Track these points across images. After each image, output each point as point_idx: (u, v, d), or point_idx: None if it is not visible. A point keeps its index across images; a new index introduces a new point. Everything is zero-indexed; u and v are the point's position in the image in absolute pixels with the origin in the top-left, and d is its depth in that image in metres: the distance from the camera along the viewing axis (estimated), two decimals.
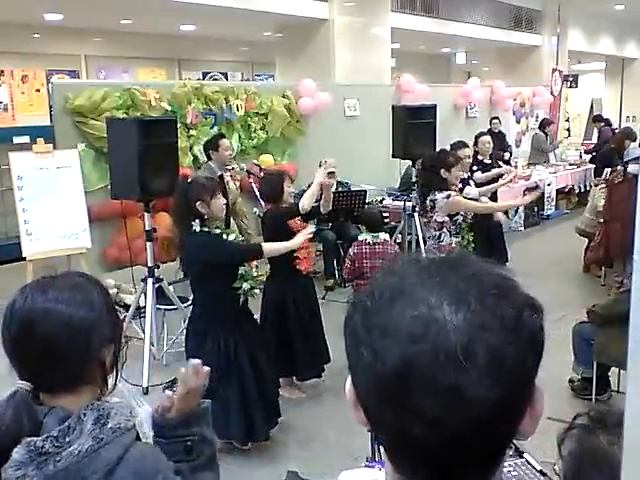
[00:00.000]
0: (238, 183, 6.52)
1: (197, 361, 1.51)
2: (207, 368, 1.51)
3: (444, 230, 4.60)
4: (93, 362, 1.29)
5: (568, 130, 14.94)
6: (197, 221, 3.41)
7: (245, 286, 3.58)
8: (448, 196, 4.50)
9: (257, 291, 3.75)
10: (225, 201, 3.59)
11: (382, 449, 0.72)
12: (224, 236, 3.52)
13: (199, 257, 3.51)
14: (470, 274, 0.68)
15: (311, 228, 3.93)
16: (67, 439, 1.19)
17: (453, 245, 4.54)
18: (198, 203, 3.38)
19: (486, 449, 0.67)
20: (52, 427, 1.22)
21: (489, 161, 6.94)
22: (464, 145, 5.95)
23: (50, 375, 1.27)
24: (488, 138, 7.12)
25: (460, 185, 5.12)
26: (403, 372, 0.63)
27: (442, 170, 4.56)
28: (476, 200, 5.34)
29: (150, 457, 1.29)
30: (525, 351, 0.66)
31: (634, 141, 7.98)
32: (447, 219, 4.56)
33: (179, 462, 1.40)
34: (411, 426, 0.63)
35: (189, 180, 3.67)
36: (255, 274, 3.73)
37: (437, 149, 7.77)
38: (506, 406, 0.65)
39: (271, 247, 3.74)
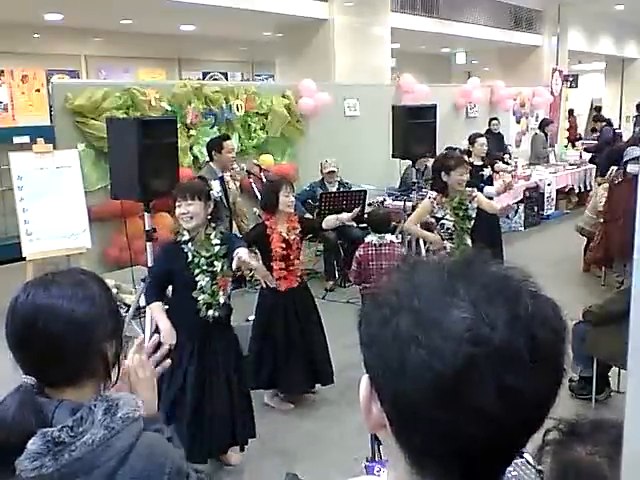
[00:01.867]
0: (238, 183, 6.52)
1: (142, 337, 1.57)
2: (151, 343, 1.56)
3: (435, 232, 4.62)
4: (96, 356, 1.32)
5: (574, 128, 14.83)
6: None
7: (201, 299, 3.41)
8: (429, 197, 4.57)
9: (213, 312, 3.44)
10: (186, 210, 3.36)
11: (398, 457, 0.71)
12: (189, 245, 3.39)
13: None
14: (507, 276, 0.70)
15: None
16: (80, 429, 1.23)
17: (447, 250, 4.49)
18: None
19: (519, 443, 0.69)
20: (63, 419, 1.24)
21: (480, 163, 6.91)
22: (479, 136, 6.54)
23: (53, 370, 1.30)
24: (484, 140, 7.13)
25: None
26: (463, 371, 0.63)
27: (442, 173, 4.55)
28: (491, 199, 5.24)
29: (159, 444, 1.34)
30: (564, 347, 0.69)
31: None
32: (433, 221, 4.58)
33: None
34: (464, 425, 0.64)
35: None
36: (215, 292, 3.44)
37: (442, 149, 7.80)
38: (550, 400, 0.68)
39: (153, 312, 3.45)
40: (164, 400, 3.21)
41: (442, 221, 4.55)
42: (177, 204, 3.39)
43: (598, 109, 13.15)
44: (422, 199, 7.29)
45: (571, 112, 15.60)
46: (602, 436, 1.35)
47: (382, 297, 0.71)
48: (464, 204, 4.60)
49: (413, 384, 0.66)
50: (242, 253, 3.33)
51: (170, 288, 3.65)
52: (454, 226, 4.55)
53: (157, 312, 3.43)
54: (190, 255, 3.41)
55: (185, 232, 3.42)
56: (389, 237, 4.95)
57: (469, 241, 4.64)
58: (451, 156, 4.77)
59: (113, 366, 1.36)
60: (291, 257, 4.17)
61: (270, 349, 4.19)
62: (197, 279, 3.41)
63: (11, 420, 1.23)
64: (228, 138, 6.11)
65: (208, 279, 3.43)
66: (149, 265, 4.75)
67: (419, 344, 0.65)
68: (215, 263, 3.44)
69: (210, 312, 3.44)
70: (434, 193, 4.57)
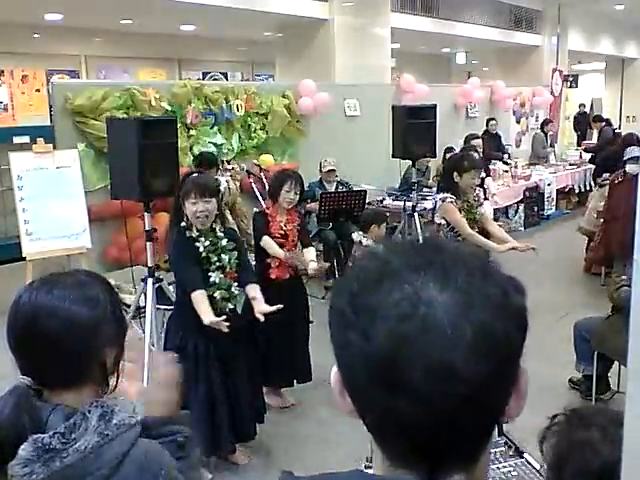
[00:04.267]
0: (238, 183, 6.52)
1: (167, 353, 1.55)
2: (172, 354, 1.55)
3: (440, 234, 4.47)
4: (94, 361, 1.30)
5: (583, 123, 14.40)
6: (184, 222, 3.40)
7: (217, 295, 3.41)
8: (444, 199, 4.41)
9: (231, 305, 3.47)
10: (203, 209, 3.33)
11: (372, 439, 0.72)
12: (201, 240, 3.37)
13: (170, 258, 3.51)
14: (453, 255, 0.69)
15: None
16: (73, 435, 1.20)
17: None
18: (184, 202, 3.37)
19: (473, 428, 0.68)
20: (57, 424, 1.22)
21: None
22: (476, 137, 6.13)
23: (51, 371, 1.28)
24: (480, 142, 7.12)
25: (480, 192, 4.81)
26: (393, 351, 0.64)
27: (455, 173, 4.41)
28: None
29: (154, 453, 1.30)
30: (512, 327, 0.67)
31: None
32: (444, 222, 4.45)
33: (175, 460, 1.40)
34: (401, 405, 0.64)
35: (191, 175, 3.59)
36: (229, 285, 3.47)
37: (442, 149, 7.79)
38: (494, 382, 0.66)
39: (198, 304, 3.30)
40: (195, 398, 3.30)
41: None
42: (192, 201, 3.31)
43: (597, 117, 13.04)
44: (422, 199, 7.34)
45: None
46: (603, 417, 1.44)
47: (335, 285, 0.74)
48: (473, 207, 4.51)
49: (353, 367, 0.67)
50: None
51: (170, 289, 3.63)
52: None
53: (200, 305, 3.30)
54: (204, 251, 3.39)
55: (194, 227, 3.40)
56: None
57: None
58: (467, 158, 4.59)
59: (112, 372, 1.33)
60: (285, 248, 4.15)
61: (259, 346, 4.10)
62: (210, 275, 3.41)
63: (5, 422, 1.21)
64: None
65: (221, 274, 3.44)
66: (149, 265, 4.75)
67: (353, 327, 0.67)
68: (223, 257, 3.44)
69: (230, 305, 3.47)
70: (446, 195, 4.43)
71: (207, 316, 3.25)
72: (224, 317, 3.28)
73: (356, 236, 5.12)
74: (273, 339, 4.14)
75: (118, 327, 1.35)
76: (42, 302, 1.28)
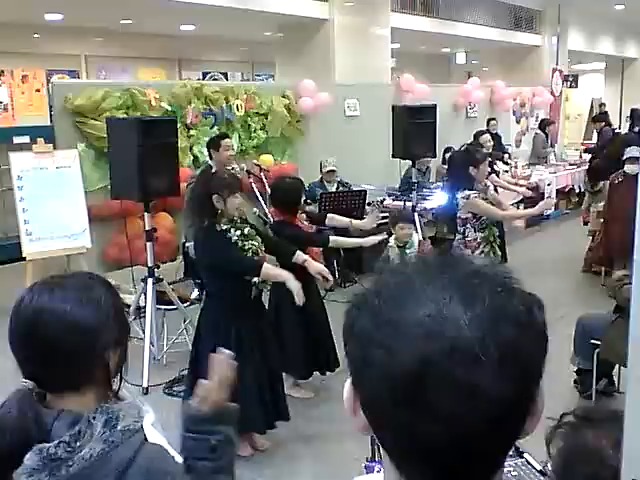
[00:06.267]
0: None
1: (227, 352, 1.52)
2: (228, 352, 1.51)
3: (467, 226, 4.68)
4: (96, 364, 1.29)
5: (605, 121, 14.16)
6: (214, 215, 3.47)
7: (255, 278, 3.54)
8: (467, 197, 4.58)
9: (268, 286, 3.75)
10: (240, 201, 3.56)
11: (385, 456, 0.70)
12: (232, 231, 3.48)
13: (204, 254, 3.57)
14: (475, 272, 0.68)
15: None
16: (78, 443, 1.19)
17: (478, 240, 4.62)
18: (215, 197, 3.42)
19: (495, 447, 0.67)
20: (61, 431, 1.21)
21: None
22: (483, 133, 6.67)
23: (53, 374, 1.27)
24: (489, 137, 7.14)
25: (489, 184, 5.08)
26: (420, 370, 0.62)
27: (470, 167, 4.61)
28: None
29: (159, 458, 1.29)
30: (535, 346, 0.67)
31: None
32: (470, 215, 4.64)
33: (202, 460, 1.39)
34: (425, 425, 0.63)
35: (213, 171, 3.67)
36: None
37: (442, 149, 7.82)
38: (518, 401, 0.65)
39: (271, 271, 3.57)
40: (243, 381, 3.34)
41: (479, 214, 4.65)
42: (235, 195, 3.47)
43: (597, 117, 12.94)
44: (422, 199, 7.34)
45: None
46: (612, 424, 1.38)
47: (354, 300, 0.72)
48: (486, 194, 4.74)
49: (375, 384, 0.66)
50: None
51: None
52: (485, 220, 4.66)
53: (275, 268, 3.63)
54: (237, 240, 3.49)
55: (223, 220, 3.47)
56: None
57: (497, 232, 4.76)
58: (475, 150, 4.91)
59: (115, 375, 1.32)
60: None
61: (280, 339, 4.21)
62: None
63: (11, 428, 1.20)
64: (226, 136, 6.10)
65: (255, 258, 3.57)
66: (149, 265, 4.76)
67: (376, 344, 0.65)
68: (252, 242, 3.56)
69: (267, 286, 3.72)
70: (468, 192, 4.59)
71: (289, 277, 3.50)
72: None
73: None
74: (298, 334, 4.26)
75: (121, 329, 1.35)
76: (44, 305, 1.27)
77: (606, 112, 16.56)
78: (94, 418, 1.22)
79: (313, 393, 4.47)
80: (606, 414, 1.44)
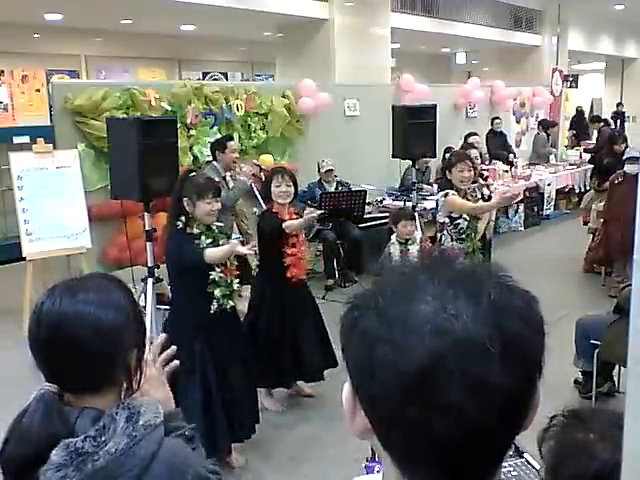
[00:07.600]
0: None
1: (163, 335, 1.55)
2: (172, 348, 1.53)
3: (444, 232, 4.57)
4: (120, 365, 1.30)
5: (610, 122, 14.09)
6: (183, 218, 3.37)
7: (217, 293, 3.42)
8: (445, 195, 4.48)
9: (232, 302, 3.53)
10: (216, 207, 3.40)
11: (386, 457, 0.70)
12: (202, 237, 3.36)
13: (168, 255, 3.46)
14: (474, 269, 0.70)
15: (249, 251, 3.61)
16: (103, 438, 1.21)
17: (456, 251, 4.37)
18: (185, 199, 3.34)
19: (501, 441, 0.68)
20: (86, 427, 1.23)
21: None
22: (474, 134, 6.26)
23: (76, 377, 1.29)
24: (478, 138, 7.17)
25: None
26: (430, 366, 0.63)
27: (447, 171, 4.58)
28: None
29: (181, 451, 1.33)
30: (537, 338, 0.68)
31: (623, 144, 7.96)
32: (447, 220, 4.53)
33: None
34: (436, 420, 0.63)
35: (191, 174, 3.58)
36: (231, 284, 3.53)
37: (442, 149, 7.82)
38: (523, 394, 0.67)
39: (215, 253, 3.37)
40: (192, 399, 3.28)
41: (457, 221, 4.50)
42: (208, 200, 3.34)
43: (596, 117, 13.04)
44: (422, 199, 7.34)
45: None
46: (601, 420, 1.42)
47: (354, 300, 0.72)
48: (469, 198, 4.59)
49: (382, 384, 0.65)
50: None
51: (167, 288, 3.62)
52: (468, 226, 4.52)
53: (217, 249, 3.38)
54: (206, 248, 3.36)
55: (194, 225, 3.38)
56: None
57: (478, 243, 4.64)
58: (453, 154, 4.82)
59: (135, 373, 1.33)
60: (296, 245, 4.14)
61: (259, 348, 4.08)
62: (211, 273, 3.40)
63: (38, 428, 1.23)
64: (231, 139, 6.11)
65: (221, 272, 3.44)
66: (149, 265, 4.75)
67: (384, 342, 0.65)
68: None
69: (230, 302, 3.50)
70: (446, 191, 4.51)
71: (232, 246, 3.35)
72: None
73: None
74: (281, 343, 4.14)
75: (140, 329, 1.36)
76: (67, 308, 1.27)
77: (582, 111, 16.53)
78: (117, 413, 1.24)
79: (284, 407, 4.33)
80: (594, 411, 1.46)
